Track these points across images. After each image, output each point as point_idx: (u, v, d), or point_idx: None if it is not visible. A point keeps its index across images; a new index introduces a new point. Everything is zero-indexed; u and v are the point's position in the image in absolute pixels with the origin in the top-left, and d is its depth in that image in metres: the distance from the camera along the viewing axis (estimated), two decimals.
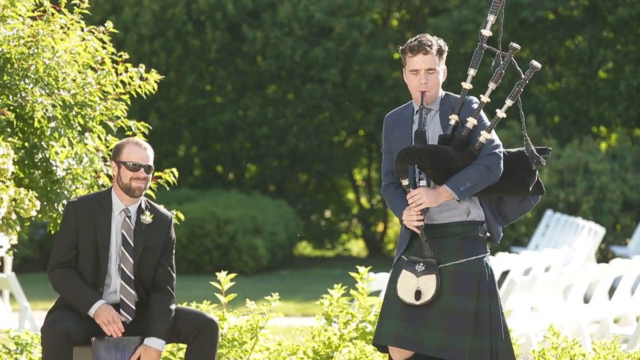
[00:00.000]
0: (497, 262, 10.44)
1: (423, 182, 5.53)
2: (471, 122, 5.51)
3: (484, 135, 5.48)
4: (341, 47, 19.58)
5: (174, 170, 6.94)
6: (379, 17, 20.78)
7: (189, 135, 20.34)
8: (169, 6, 19.91)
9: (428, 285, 5.44)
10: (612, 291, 10.59)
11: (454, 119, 5.53)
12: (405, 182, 5.51)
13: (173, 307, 5.87)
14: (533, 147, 5.56)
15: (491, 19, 5.59)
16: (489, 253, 5.58)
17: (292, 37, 19.77)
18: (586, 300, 11.07)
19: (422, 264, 5.47)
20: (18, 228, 6.20)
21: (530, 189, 5.58)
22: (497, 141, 5.53)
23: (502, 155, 5.51)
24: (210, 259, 17.70)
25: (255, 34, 19.77)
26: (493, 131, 5.53)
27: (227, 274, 6.66)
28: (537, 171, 5.59)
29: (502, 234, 5.62)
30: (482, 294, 5.47)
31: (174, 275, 5.97)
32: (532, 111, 19.78)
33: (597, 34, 19.62)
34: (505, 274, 11.21)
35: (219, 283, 6.65)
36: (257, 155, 20.49)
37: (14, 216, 6.09)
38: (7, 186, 6.02)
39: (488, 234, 5.65)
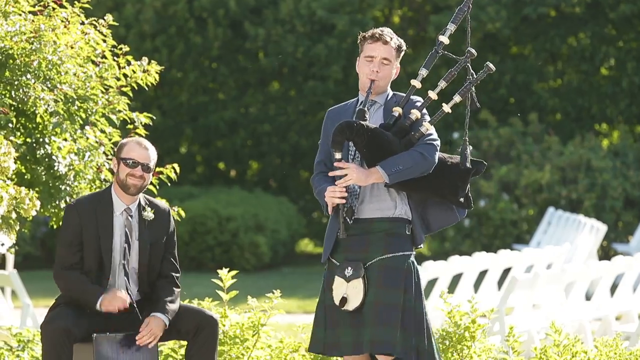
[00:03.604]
0: (499, 260, 10.44)
1: (357, 162, 5.50)
2: (415, 114, 5.52)
3: (425, 126, 5.49)
4: (343, 44, 19.57)
5: (175, 165, 6.92)
6: (380, 15, 20.76)
7: (191, 133, 20.35)
8: (171, 3, 19.91)
9: (355, 290, 5.42)
10: (614, 288, 10.58)
11: (397, 111, 5.54)
12: (338, 156, 5.46)
13: (178, 292, 5.87)
14: (469, 150, 5.56)
15: (451, 27, 5.63)
16: (414, 253, 5.53)
17: (294, 34, 19.76)
18: (588, 297, 11.06)
19: (350, 268, 5.45)
20: (17, 227, 6.19)
21: (460, 198, 5.52)
22: (436, 136, 5.53)
23: (438, 147, 5.49)
24: (212, 256, 17.69)
25: (257, 31, 19.76)
26: (432, 127, 5.53)
27: (229, 271, 6.65)
28: (468, 182, 5.56)
29: (424, 241, 5.55)
30: (408, 290, 5.44)
31: (178, 267, 5.98)
32: (534, 108, 19.76)
33: (599, 30, 19.60)
34: (507, 271, 11.20)
35: (220, 280, 6.64)
36: (259, 152, 20.49)
37: (14, 215, 6.08)
38: (7, 185, 6.01)
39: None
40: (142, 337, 5.73)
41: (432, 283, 10.15)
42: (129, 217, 5.86)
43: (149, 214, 5.89)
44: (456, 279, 10.29)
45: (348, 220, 5.44)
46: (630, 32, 19.75)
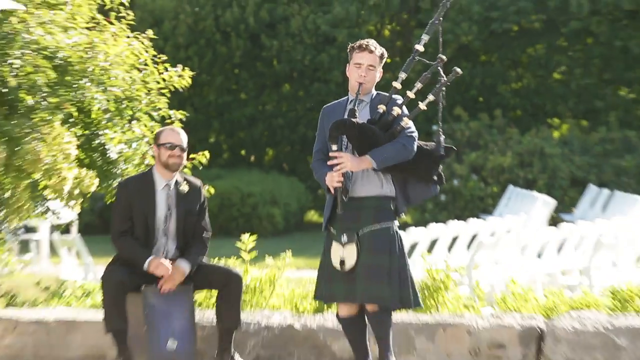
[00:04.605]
0: (469, 227, 10.51)
1: (349, 151, 5.53)
2: (396, 111, 5.54)
3: (405, 120, 5.51)
4: (342, 53, 19.61)
5: (206, 153, 7.00)
6: (374, 29, 20.80)
7: (218, 126, 20.43)
8: (201, 20, 19.97)
9: (350, 253, 5.49)
10: (560, 249, 10.66)
11: (381, 108, 5.57)
12: (334, 147, 5.50)
13: (205, 248, 5.90)
14: (442, 138, 5.61)
15: (425, 38, 5.61)
16: (397, 223, 5.59)
17: (302, 45, 19.82)
18: (539, 256, 11.16)
19: (345, 235, 5.51)
20: (80, 200, 6.27)
21: (434, 177, 5.60)
22: (414, 129, 5.57)
23: (416, 138, 5.54)
24: (237, 225, 17.79)
25: (272, 43, 19.83)
26: (411, 121, 5.55)
27: (250, 236, 6.69)
28: (440, 164, 5.61)
29: (405, 211, 5.61)
30: (393, 253, 5.50)
31: (209, 231, 6.01)
32: (499, 106, 19.82)
33: (553, 42, 19.63)
34: (475, 236, 11.28)
35: (243, 243, 6.73)
36: (274, 141, 20.58)
37: (77, 191, 6.18)
38: (71, 167, 6.11)
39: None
40: (162, 283, 5.77)
41: (414, 246, 10.24)
42: (169, 191, 5.95)
43: (184, 187, 5.95)
44: (434, 243, 10.38)
45: (344, 198, 5.52)
46: (578, 45, 19.77)
